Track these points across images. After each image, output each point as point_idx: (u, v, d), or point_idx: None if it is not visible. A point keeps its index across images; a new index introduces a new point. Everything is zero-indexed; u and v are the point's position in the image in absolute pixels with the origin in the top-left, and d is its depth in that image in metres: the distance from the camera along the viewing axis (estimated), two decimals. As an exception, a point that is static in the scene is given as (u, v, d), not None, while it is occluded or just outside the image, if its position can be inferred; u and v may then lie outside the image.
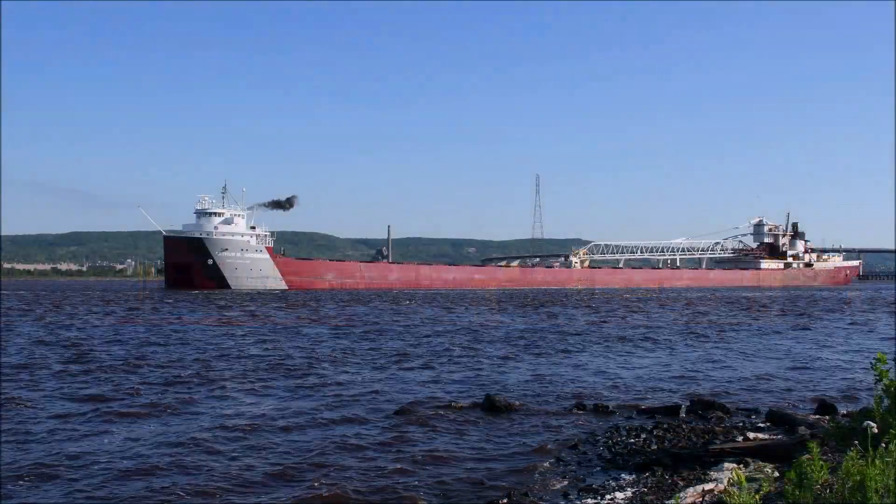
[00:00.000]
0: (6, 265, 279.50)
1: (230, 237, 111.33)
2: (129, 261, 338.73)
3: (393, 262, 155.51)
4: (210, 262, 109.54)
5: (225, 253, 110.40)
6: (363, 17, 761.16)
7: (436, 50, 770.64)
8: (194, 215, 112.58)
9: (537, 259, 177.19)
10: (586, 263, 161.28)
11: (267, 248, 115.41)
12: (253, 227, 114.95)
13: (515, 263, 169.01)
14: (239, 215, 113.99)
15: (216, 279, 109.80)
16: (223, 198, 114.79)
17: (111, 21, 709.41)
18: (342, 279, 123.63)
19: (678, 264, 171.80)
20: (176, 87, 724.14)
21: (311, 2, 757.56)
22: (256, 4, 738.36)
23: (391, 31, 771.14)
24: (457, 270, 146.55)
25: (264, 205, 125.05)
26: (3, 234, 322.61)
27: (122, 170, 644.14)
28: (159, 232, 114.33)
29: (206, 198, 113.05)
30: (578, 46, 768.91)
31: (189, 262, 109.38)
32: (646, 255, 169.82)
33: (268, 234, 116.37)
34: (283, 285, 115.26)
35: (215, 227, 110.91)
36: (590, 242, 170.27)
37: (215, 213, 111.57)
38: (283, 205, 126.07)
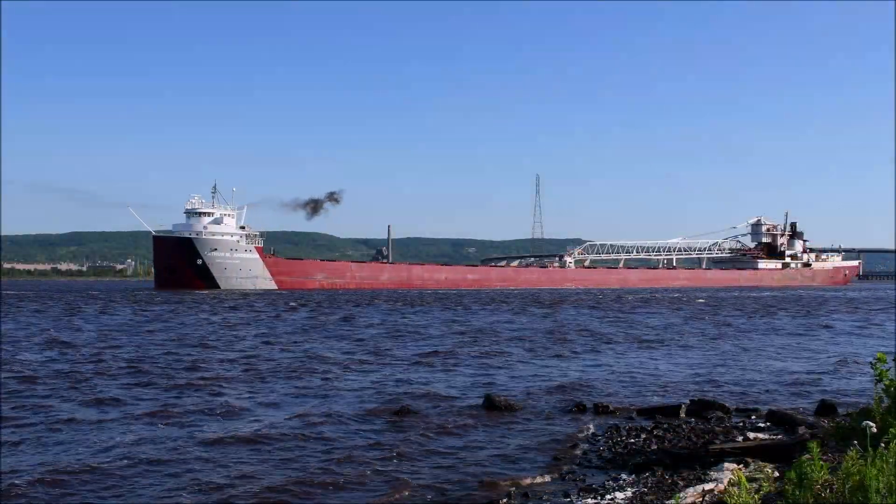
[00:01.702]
0: (6, 265, 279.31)
1: (219, 237, 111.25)
2: (129, 261, 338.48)
3: (384, 262, 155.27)
4: (199, 262, 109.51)
5: (214, 253, 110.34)
6: (362, 15, 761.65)
7: (435, 49, 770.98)
8: (184, 215, 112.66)
9: (532, 259, 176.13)
10: (586, 263, 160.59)
11: (256, 247, 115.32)
12: (243, 227, 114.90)
13: (515, 263, 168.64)
14: (229, 215, 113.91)
15: (205, 279, 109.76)
16: (213, 197, 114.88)
17: (110, 19, 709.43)
18: (333, 279, 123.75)
19: (674, 264, 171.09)
20: (175, 88, 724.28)
21: (308, 1, 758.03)
22: (256, 4, 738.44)
23: (390, 30, 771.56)
24: (449, 270, 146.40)
25: (302, 205, 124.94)
26: (3, 234, 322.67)
27: (122, 170, 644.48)
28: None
29: (197, 197, 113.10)
30: (578, 46, 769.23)
31: (178, 262, 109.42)
32: (642, 256, 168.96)
33: (257, 233, 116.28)
34: (272, 285, 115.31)
35: (204, 227, 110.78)
36: (588, 242, 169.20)
37: (205, 213, 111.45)
38: (319, 204, 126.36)
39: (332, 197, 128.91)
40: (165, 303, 70.37)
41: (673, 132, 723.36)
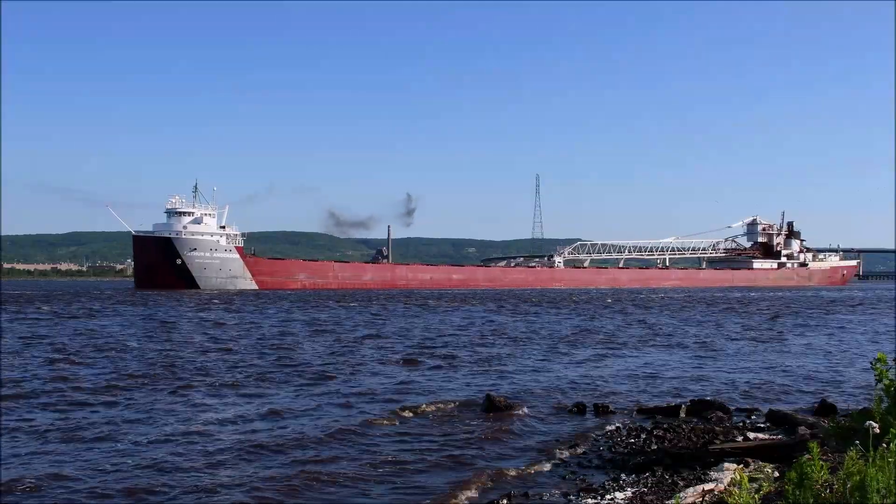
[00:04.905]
0: (6, 265, 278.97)
1: (199, 237, 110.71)
2: (129, 261, 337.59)
3: (368, 263, 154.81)
4: (178, 261, 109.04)
5: (193, 253, 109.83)
6: (360, 14, 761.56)
7: (435, 49, 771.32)
8: (164, 215, 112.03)
9: (521, 258, 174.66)
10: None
11: (237, 247, 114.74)
12: (223, 227, 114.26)
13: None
14: (209, 214, 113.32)
15: (185, 279, 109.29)
16: (194, 197, 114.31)
17: (109, 19, 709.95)
18: (315, 279, 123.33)
19: (668, 264, 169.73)
20: (174, 87, 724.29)
21: (304, 1, 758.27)
22: (259, 4, 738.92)
23: (388, 29, 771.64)
24: (433, 270, 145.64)
25: (354, 224, 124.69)
26: (3, 234, 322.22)
27: (121, 170, 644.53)
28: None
29: (177, 197, 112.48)
30: (578, 46, 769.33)
31: (158, 262, 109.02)
32: (634, 255, 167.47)
33: (238, 233, 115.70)
34: (253, 285, 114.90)
35: (184, 227, 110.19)
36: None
37: (185, 213, 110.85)
38: (366, 224, 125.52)
39: (410, 208, 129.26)
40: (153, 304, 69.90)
41: (672, 132, 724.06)
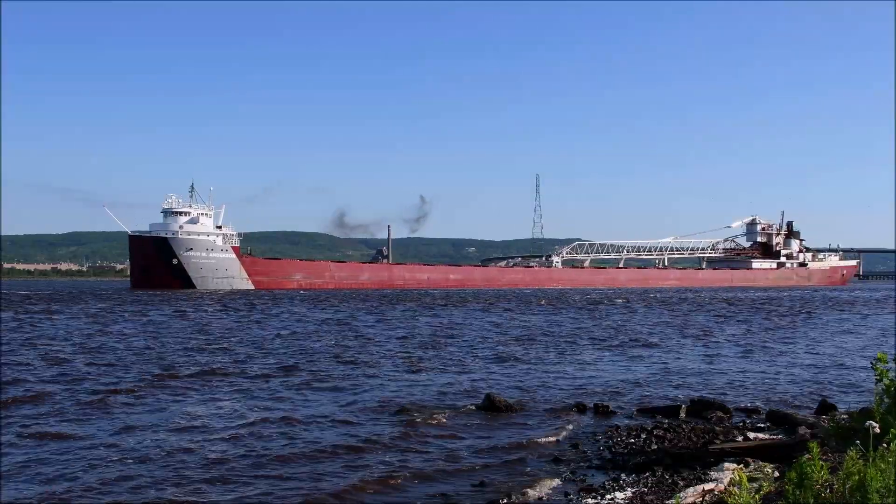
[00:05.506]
0: (6, 265, 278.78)
1: (195, 237, 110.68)
2: (128, 261, 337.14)
3: (365, 263, 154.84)
4: (175, 261, 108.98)
5: (190, 253, 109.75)
6: (359, 14, 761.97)
7: (435, 49, 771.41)
8: (161, 214, 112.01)
9: (519, 258, 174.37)
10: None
11: (233, 247, 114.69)
12: (219, 227, 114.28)
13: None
14: (206, 214, 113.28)
15: (181, 279, 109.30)
16: (191, 197, 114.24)
17: (109, 19, 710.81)
18: (311, 279, 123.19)
19: (666, 264, 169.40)
20: (174, 87, 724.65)
21: (302, 1, 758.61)
22: (259, 4, 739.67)
23: (386, 29, 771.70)
24: (431, 270, 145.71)
25: (357, 227, 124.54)
26: (3, 234, 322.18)
27: (122, 170, 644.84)
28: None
29: (174, 197, 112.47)
30: (578, 46, 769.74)
31: (154, 262, 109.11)
32: (633, 255, 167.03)
33: (234, 233, 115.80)
34: (249, 285, 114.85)
35: (180, 227, 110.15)
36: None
37: (181, 213, 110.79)
38: (368, 229, 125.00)
39: (424, 214, 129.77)
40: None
41: (672, 132, 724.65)
